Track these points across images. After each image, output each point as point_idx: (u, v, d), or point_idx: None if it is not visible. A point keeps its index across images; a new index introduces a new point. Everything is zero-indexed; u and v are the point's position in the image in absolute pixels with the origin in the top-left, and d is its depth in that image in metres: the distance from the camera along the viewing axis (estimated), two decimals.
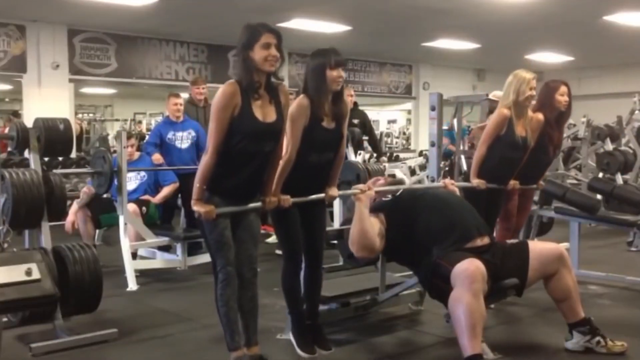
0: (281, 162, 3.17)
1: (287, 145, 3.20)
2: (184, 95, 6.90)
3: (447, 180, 4.08)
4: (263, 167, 3.07)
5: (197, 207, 2.96)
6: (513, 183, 4.33)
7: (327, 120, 3.27)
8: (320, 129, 3.25)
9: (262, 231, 7.28)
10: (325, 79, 3.18)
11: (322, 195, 3.37)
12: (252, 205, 3.11)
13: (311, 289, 3.49)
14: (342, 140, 3.39)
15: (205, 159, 2.96)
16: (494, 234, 4.39)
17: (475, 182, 4.20)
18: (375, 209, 3.55)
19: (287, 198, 3.19)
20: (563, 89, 4.39)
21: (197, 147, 6.06)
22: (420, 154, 11.42)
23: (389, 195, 3.67)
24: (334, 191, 3.42)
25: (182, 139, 6.12)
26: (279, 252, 5.91)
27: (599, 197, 5.89)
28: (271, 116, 3.02)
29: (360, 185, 3.55)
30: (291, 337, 3.47)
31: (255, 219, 3.18)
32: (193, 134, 6.14)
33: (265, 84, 3.01)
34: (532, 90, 4.15)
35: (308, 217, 3.38)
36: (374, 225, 3.46)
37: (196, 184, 2.98)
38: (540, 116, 4.33)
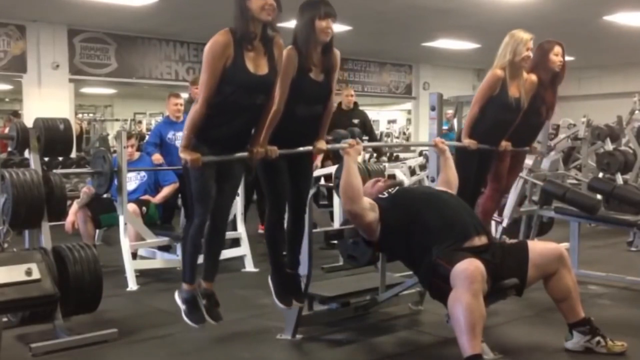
0: (270, 113, 3.19)
1: (275, 97, 3.21)
2: (184, 95, 6.90)
3: (438, 139, 4.05)
4: (253, 119, 3.11)
5: (184, 155, 3.01)
6: (505, 144, 4.29)
7: (316, 72, 3.27)
8: (309, 81, 3.25)
9: (262, 231, 7.31)
10: (314, 29, 3.17)
11: (310, 147, 3.39)
12: (238, 154, 3.15)
13: (294, 238, 3.55)
14: (331, 94, 3.40)
15: (195, 107, 3.00)
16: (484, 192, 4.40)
17: (466, 142, 4.17)
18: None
19: (274, 149, 3.22)
20: (557, 49, 4.34)
21: None
22: (420, 154, 11.41)
23: (385, 193, 3.66)
24: (322, 144, 3.44)
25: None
26: None
27: (599, 197, 5.89)
28: (263, 68, 3.04)
29: (349, 140, 3.57)
30: (270, 283, 3.56)
31: (238, 171, 3.27)
32: None
33: (261, 35, 3.02)
34: (528, 51, 4.11)
35: (295, 168, 3.42)
36: (359, 178, 3.47)
37: (184, 132, 3.03)
38: (533, 77, 4.28)
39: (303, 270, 3.59)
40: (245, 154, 3.16)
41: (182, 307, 3.39)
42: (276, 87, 3.16)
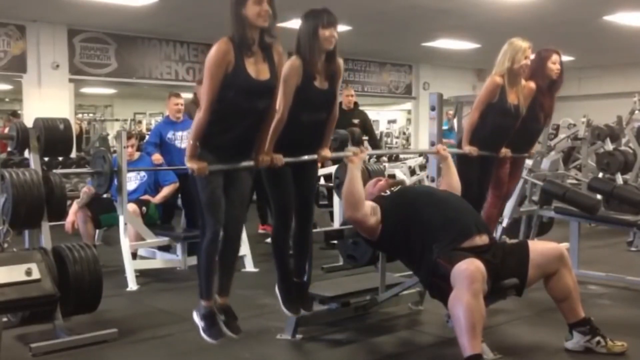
0: (274, 121, 3.19)
1: (280, 105, 3.22)
2: (184, 95, 6.90)
3: (440, 146, 4.06)
4: (256, 124, 3.10)
5: (189, 164, 3.01)
6: (505, 151, 4.33)
7: (320, 80, 3.29)
8: (313, 89, 3.27)
9: (262, 231, 7.31)
10: (318, 37, 3.19)
11: (315, 155, 3.40)
12: (244, 163, 3.15)
13: (300, 246, 3.54)
14: (335, 101, 3.41)
15: (199, 115, 3.01)
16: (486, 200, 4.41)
17: (467, 149, 4.20)
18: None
19: (279, 157, 3.22)
20: (555, 57, 4.39)
21: None
22: (421, 154, 11.40)
23: (388, 191, 3.66)
24: (326, 152, 3.45)
25: (182, 139, 6.11)
26: None
27: (599, 197, 5.89)
28: (264, 74, 3.05)
29: (353, 148, 3.57)
30: (277, 292, 3.55)
31: (246, 179, 3.24)
32: None
33: (259, 41, 3.03)
34: (527, 59, 4.14)
35: (300, 176, 3.41)
36: (361, 191, 3.47)
37: (190, 141, 3.03)
38: (532, 84, 4.32)
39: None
40: (250, 162, 3.16)
41: (200, 324, 3.32)
42: (277, 93, 3.17)
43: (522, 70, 4.17)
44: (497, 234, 5.06)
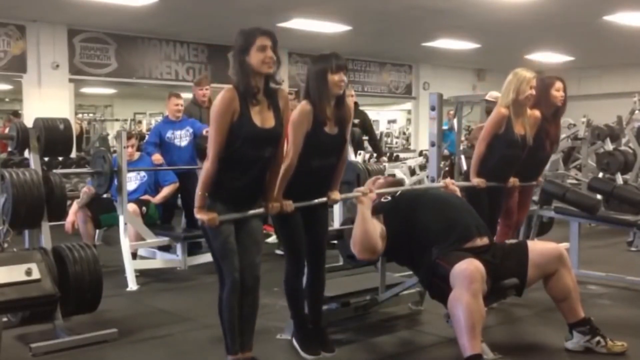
0: (283, 167, 3.17)
1: (289, 151, 3.21)
2: (184, 95, 6.90)
3: (448, 180, 4.09)
4: (263, 172, 3.07)
5: (199, 215, 2.96)
6: (513, 180, 4.34)
7: (330, 125, 3.27)
8: (323, 135, 3.25)
9: (263, 231, 7.32)
10: (327, 83, 3.18)
11: (325, 199, 3.38)
12: (254, 211, 3.11)
13: (314, 292, 3.50)
14: (345, 145, 3.40)
15: (207, 165, 2.97)
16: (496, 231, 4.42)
17: (475, 181, 4.21)
18: (375, 211, 3.55)
19: (289, 203, 3.20)
20: (558, 84, 4.41)
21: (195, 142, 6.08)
22: (420, 154, 11.43)
23: (389, 197, 3.67)
24: (336, 195, 3.43)
25: (181, 137, 6.12)
26: (279, 252, 5.92)
27: (599, 197, 5.89)
28: (270, 122, 3.02)
29: (362, 188, 3.55)
30: (294, 342, 3.48)
31: (257, 225, 3.18)
32: (190, 130, 6.14)
33: (264, 88, 3.01)
34: (532, 90, 4.15)
35: (311, 220, 3.39)
36: (376, 227, 3.46)
37: (198, 192, 2.98)
38: (537, 113, 4.33)
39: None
40: (261, 209, 3.13)
41: None
42: (284, 139, 3.14)
43: (528, 101, 4.19)
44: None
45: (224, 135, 2.93)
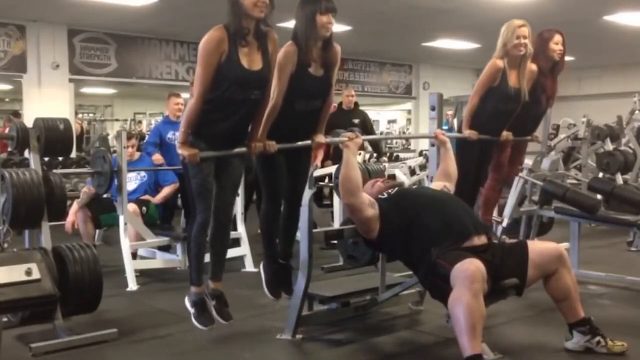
0: (267, 108, 3.19)
1: (274, 91, 3.21)
2: (184, 95, 6.90)
3: (438, 130, 4.04)
4: (250, 114, 3.12)
5: (181, 150, 3.03)
6: (506, 134, 4.29)
7: (315, 67, 3.28)
8: (308, 76, 3.27)
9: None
10: (315, 24, 3.19)
11: (309, 142, 3.40)
12: (236, 150, 3.15)
13: (288, 228, 3.61)
14: (331, 88, 3.41)
15: (191, 103, 3.03)
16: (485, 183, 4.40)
17: (467, 132, 4.18)
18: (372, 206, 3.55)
19: (272, 144, 3.23)
20: (557, 37, 4.35)
21: None
22: (420, 154, 11.42)
23: (385, 194, 3.65)
24: (320, 138, 3.47)
25: None
26: None
27: (599, 197, 5.89)
28: (257, 64, 3.05)
29: (348, 134, 3.56)
30: (262, 274, 3.64)
31: (238, 165, 3.26)
32: None
33: (254, 30, 3.02)
34: (519, 39, 4.09)
35: (293, 162, 3.44)
36: (359, 174, 3.44)
37: (181, 129, 3.04)
38: (533, 66, 4.28)
39: (303, 270, 3.59)
40: (243, 149, 3.17)
41: (191, 310, 3.38)
42: (271, 82, 3.17)
43: (517, 50, 4.11)
44: (497, 234, 5.06)
45: (211, 74, 2.96)
